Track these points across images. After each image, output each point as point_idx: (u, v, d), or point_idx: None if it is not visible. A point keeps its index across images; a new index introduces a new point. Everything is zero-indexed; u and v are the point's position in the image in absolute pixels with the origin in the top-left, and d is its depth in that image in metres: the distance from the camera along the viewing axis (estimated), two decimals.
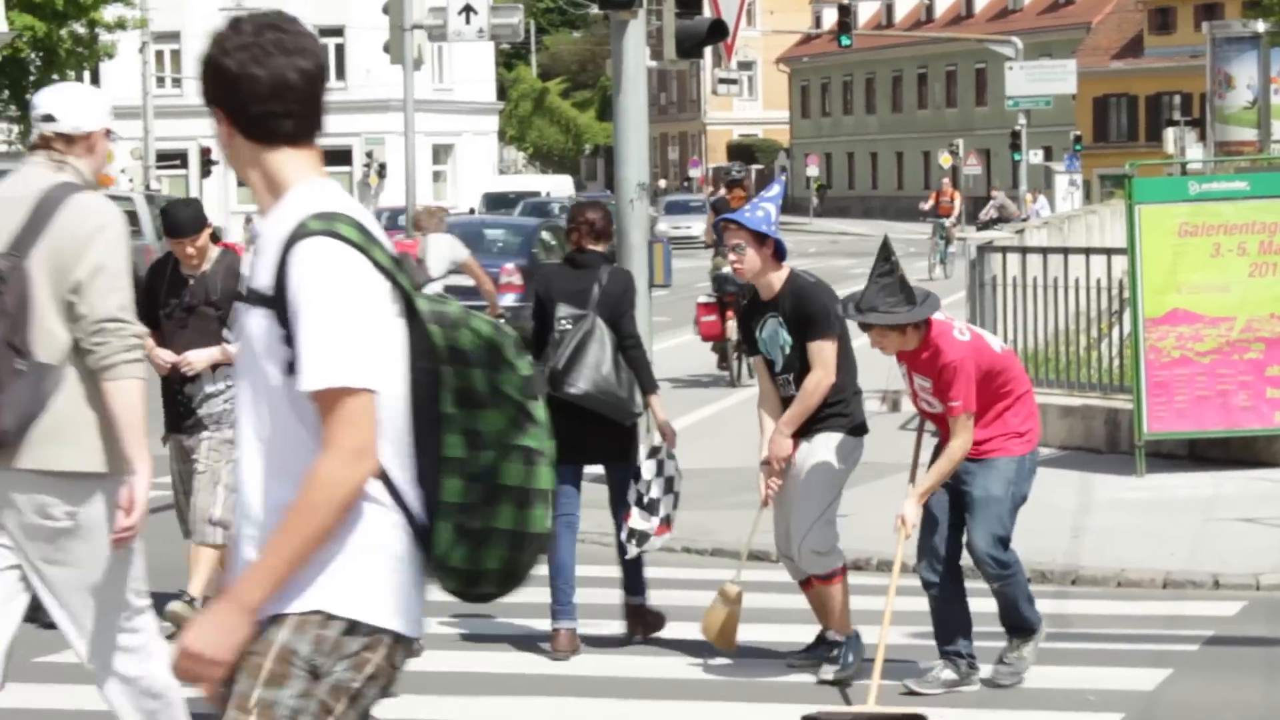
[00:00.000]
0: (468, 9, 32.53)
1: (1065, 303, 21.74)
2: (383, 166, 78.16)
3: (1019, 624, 11.13)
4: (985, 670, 11.12)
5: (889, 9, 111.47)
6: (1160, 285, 18.24)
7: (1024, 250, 22.95)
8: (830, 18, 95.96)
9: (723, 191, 33.75)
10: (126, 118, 72.79)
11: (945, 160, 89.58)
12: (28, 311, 8.04)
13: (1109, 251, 21.09)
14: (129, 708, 8.15)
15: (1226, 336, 18.15)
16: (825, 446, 11.28)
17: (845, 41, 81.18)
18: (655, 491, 12.36)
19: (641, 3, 19.17)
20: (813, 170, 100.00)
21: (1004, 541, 10.83)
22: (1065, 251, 22.94)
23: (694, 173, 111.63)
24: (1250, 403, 18.20)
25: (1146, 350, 18.30)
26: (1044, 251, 23.01)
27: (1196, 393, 18.21)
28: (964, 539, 11.00)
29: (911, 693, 10.81)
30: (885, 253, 10.87)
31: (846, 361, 11.38)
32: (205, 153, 77.93)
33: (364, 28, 75.52)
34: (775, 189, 12.30)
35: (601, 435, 12.53)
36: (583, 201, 16.35)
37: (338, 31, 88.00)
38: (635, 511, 12.31)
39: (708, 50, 20.70)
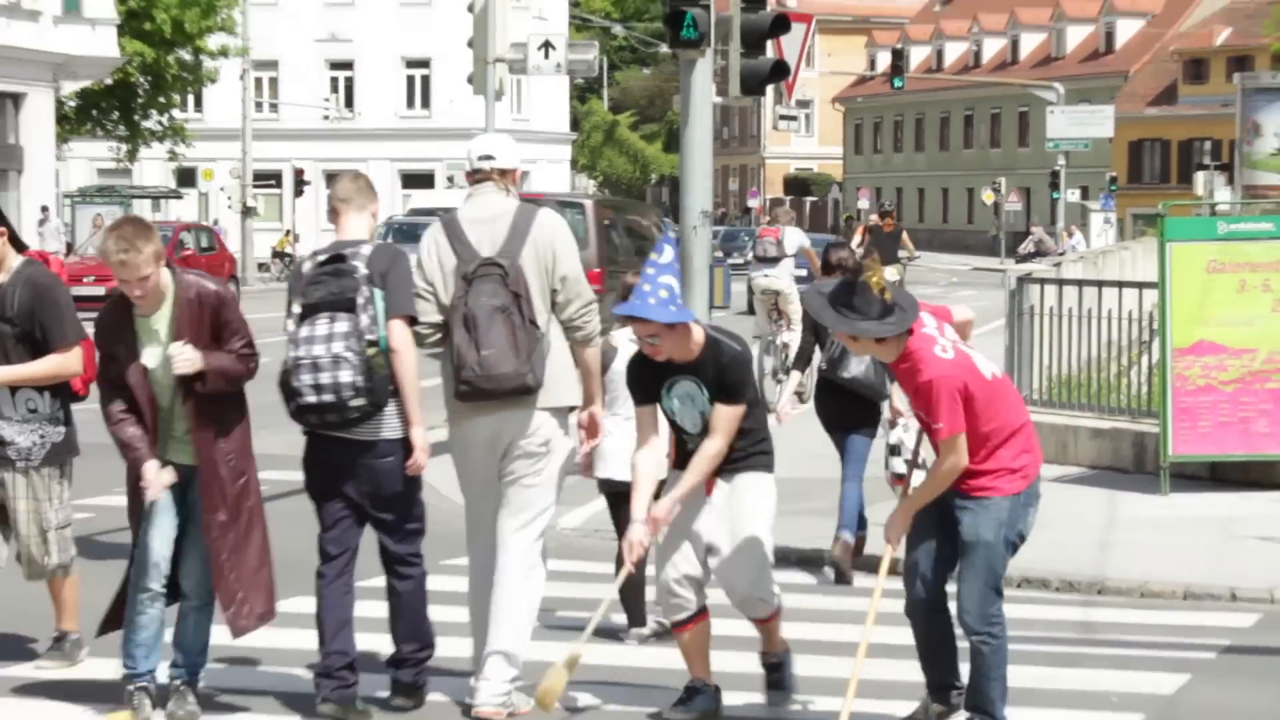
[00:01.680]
0: (547, 45, 32.69)
1: (1098, 332, 21.78)
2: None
3: (983, 704, 9.64)
4: None
5: (939, 54, 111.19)
6: (1188, 317, 18.27)
7: (1060, 282, 23.00)
8: (884, 61, 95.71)
9: (874, 218, 37.69)
10: (226, 139, 73.15)
11: (988, 197, 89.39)
12: (529, 297, 10.38)
13: (1140, 285, 21.04)
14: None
15: (1249, 367, 18.20)
16: (755, 489, 10.37)
17: (898, 84, 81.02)
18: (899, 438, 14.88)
19: (709, 43, 19.26)
20: (863, 203, 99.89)
21: (996, 590, 9.59)
22: (1100, 284, 22.90)
23: (753, 203, 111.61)
24: (1270, 429, 18.21)
25: (1173, 378, 18.32)
26: (1079, 284, 23.03)
27: (1219, 419, 18.23)
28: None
29: None
30: (857, 265, 10.67)
31: (759, 406, 10.65)
32: (299, 173, 78.21)
33: (449, 60, 75.68)
34: (668, 254, 10.11)
35: (859, 410, 15.27)
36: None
37: (424, 64, 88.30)
38: (894, 460, 15.04)
39: (769, 88, 20.67)
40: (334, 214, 10.74)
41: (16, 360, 10.57)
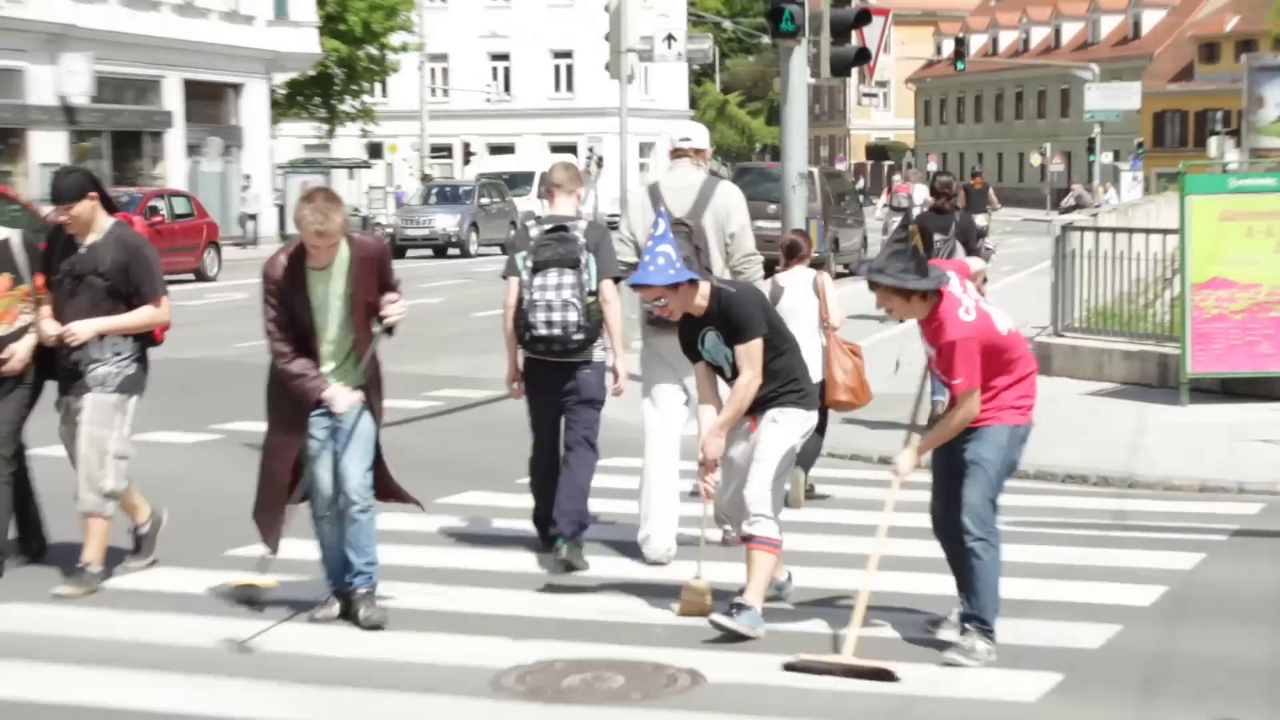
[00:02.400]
0: (669, 37, 33.03)
1: (1128, 271, 21.55)
2: (601, 159, 77.92)
3: (976, 611, 9.05)
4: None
5: (994, 41, 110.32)
6: (1204, 258, 18.13)
7: (1097, 230, 22.79)
8: (948, 48, 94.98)
9: (970, 180, 38.32)
10: (406, 119, 73.31)
11: (1036, 160, 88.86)
12: (708, 250, 11.47)
13: (1164, 231, 20.91)
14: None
15: (1255, 299, 18.06)
16: (778, 419, 9.66)
17: (960, 66, 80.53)
18: None
19: (804, 33, 19.24)
20: (932, 165, 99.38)
21: (992, 503, 9.11)
22: (1130, 231, 22.71)
23: (840, 167, 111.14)
24: (1273, 350, 18.10)
25: (1191, 309, 18.17)
26: (1113, 231, 22.82)
27: (1230, 342, 18.13)
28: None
29: (952, 663, 8.90)
30: (904, 225, 10.30)
31: (791, 347, 9.81)
32: (466, 146, 78.42)
33: (589, 51, 75.57)
34: (661, 227, 9.72)
35: None
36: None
37: (568, 54, 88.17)
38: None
39: (854, 71, 20.62)
40: (549, 194, 11.72)
41: (104, 311, 10.13)
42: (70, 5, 49.61)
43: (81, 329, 9.96)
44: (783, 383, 9.62)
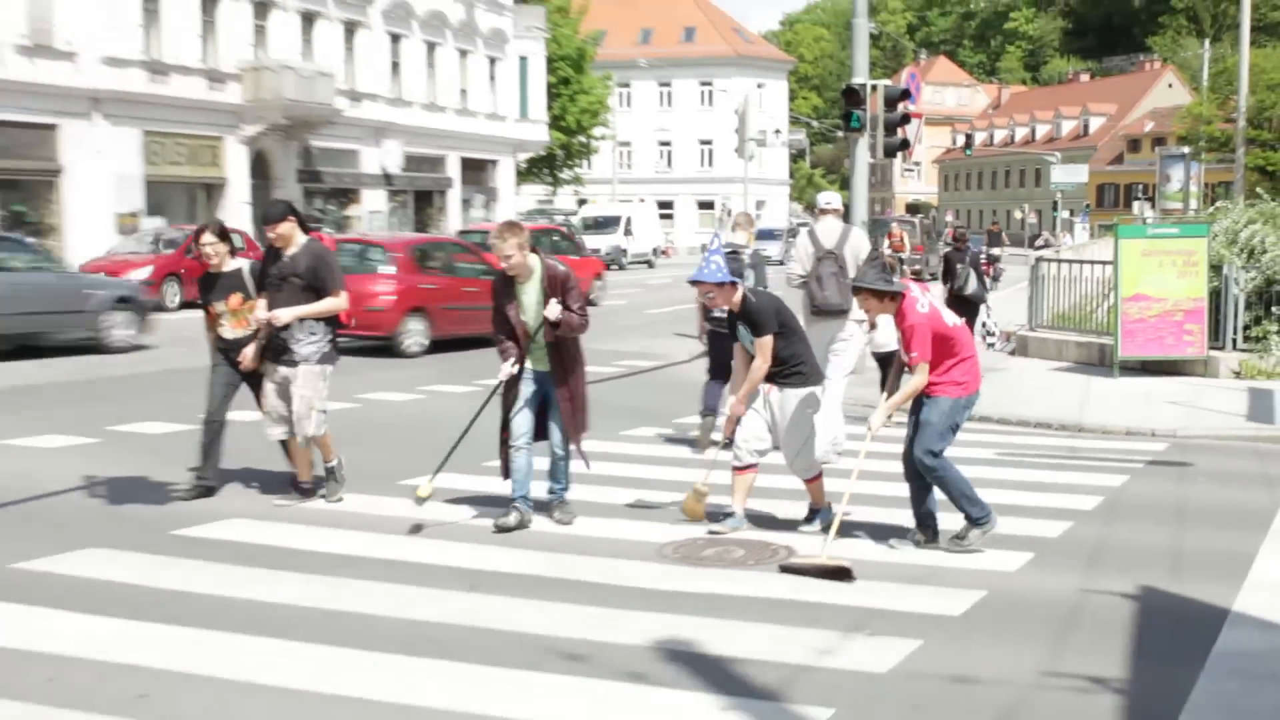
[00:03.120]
0: (777, 130, 33.11)
1: (1080, 288, 21.38)
2: (730, 210, 77.87)
3: (964, 514, 8.73)
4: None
5: (991, 136, 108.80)
6: (1130, 280, 17.84)
7: (1059, 261, 22.77)
8: (961, 140, 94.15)
9: (990, 226, 41.02)
10: (603, 183, 73.48)
11: (1018, 214, 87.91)
12: (847, 268, 11.98)
13: (1104, 262, 20.57)
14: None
15: (1164, 308, 17.79)
16: (797, 398, 9.12)
17: (968, 152, 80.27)
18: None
19: (866, 129, 19.13)
20: (949, 217, 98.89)
21: (933, 454, 8.56)
22: (1081, 262, 22.50)
23: (892, 218, 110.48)
24: (1175, 342, 17.85)
25: (1121, 314, 17.93)
26: (1070, 261, 22.71)
27: (1148, 336, 17.89)
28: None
29: (953, 545, 8.66)
30: (874, 251, 10.13)
31: (799, 340, 9.25)
32: (641, 201, 78.70)
33: (723, 139, 75.46)
34: (715, 242, 9.98)
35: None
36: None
37: (709, 141, 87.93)
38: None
39: (899, 154, 20.49)
40: (735, 228, 13.17)
41: (301, 302, 9.64)
42: (389, 108, 50.26)
43: (283, 314, 9.59)
44: (792, 365, 9.12)
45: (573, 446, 9.41)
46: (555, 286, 9.08)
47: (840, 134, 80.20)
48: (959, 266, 20.43)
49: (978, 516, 8.67)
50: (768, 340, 9.04)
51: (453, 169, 55.14)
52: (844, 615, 7.13)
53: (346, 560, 8.18)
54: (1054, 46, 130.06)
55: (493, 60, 57.29)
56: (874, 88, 19.35)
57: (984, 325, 21.72)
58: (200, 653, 6.32)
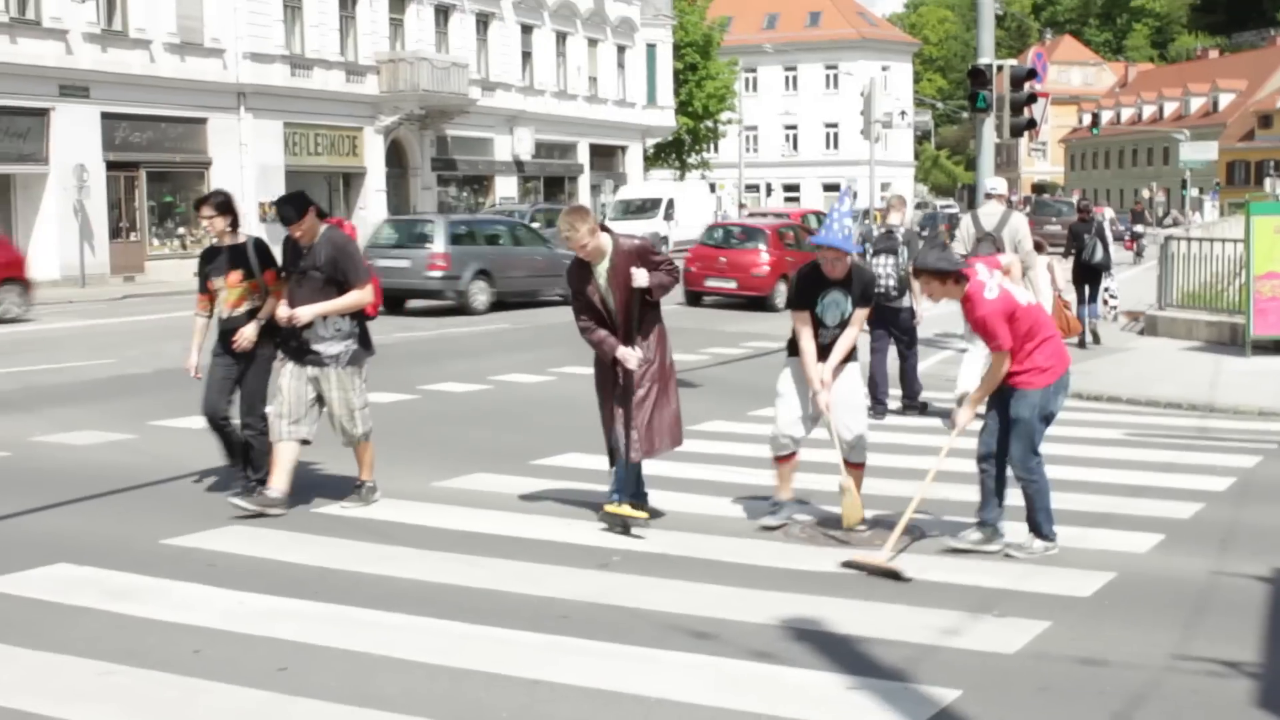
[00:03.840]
0: (903, 112, 32.85)
1: (1210, 267, 20.93)
2: (856, 193, 77.27)
3: (1034, 527, 7.93)
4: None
5: (1118, 114, 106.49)
6: (1262, 258, 17.40)
7: (1189, 239, 22.35)
8: (1087, 119, 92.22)
9: (1134, 205, 40.63)
10: (729, 168, 73.34)
11: (1146, 193, 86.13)
12: (1005, 249, 12.57)
13: (1235, 240, 20.06)
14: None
15: None
16: (854, 376, 8.60)
17: (1095, 131, 78.81)
18: None
19: (992, 109, 18.82)
20: (1074, 197, 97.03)
21: (1033, 452, 7.82)
22: (1211, 240, 21.96)
23: (1014, 198, 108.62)
24: None
25: (1253, 292, 17.51)
26: (1200, 240, 22.25)
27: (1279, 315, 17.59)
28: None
29: (950, 549, 7.95)
30: (935, 232, 9.69)
31: None
32: (768, 186, 78.43)
33: (849, 122, 74.87)
34: (847, 204, 8.57)
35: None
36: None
37: (835, 125, 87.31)
38: None
39: (1025, 134, 20.12)
40: (886, 211, 14.17)
41: (324, 298, 8.73)
42: (521, 97, 50.56)
43: (304, 313, 8.69)
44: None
45: (633, 443, 8.46)
46: (632, 258, 8.41)
47: (965, 115, 79.26)
48: (1085, 236, 20.74)
49: (1049, 533, 7.94)
50: (865, 311, 8.50)
51: (582, 155, 55.40)
52: (971, 596, 6.99)
53: (479, 538, 8.20)
54: (1181, 23, 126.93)
55: (621, 48, 57.36)
56: (1000, 68, 19.01)
57: (1106, 290, 22.26)
58: (337, 628, 6.37)
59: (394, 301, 23.85)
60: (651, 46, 59.13)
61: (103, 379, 15.75)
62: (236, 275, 9.16)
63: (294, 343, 8.90)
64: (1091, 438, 12.23)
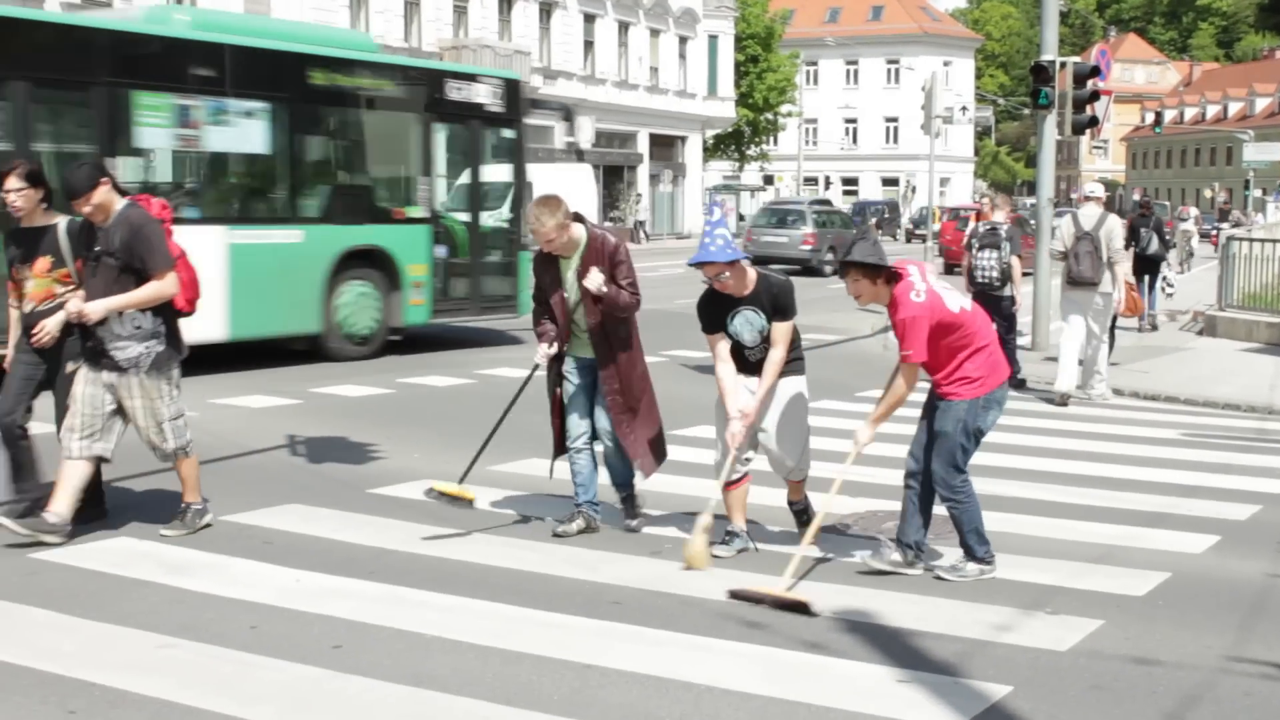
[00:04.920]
0: (964, 108, 32.75)
1: (1271, 268, 20.67)
2: (914, 188, 76.92)
3: (966, 549, 7.22)
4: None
5: (1181, 114, 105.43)
6: None
7: (1250, 240, 22.11)
8: (1150, 118, 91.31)
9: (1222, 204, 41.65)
10: (789, 160, 73.00)
11: (1208, 193, 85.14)
12: (1102, 248, 13.84)
13: None
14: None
15: None
16: (795, 387, 7.58)
17: (1157, 130, 77.76)
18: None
19: (1054, 106, 18.63)
20: (1135, 196, 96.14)
21: (956, 469, 7.07)
22: (1274, 241, 21.71)
23: (1073, 196, 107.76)
24: None
25: None
26: (1262, 240, 22.03)
27: None
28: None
29: (864, 567, 7.21)
30: (865, 226, 8.27)
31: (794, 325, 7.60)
32: (827, 179, 78.06)
33: (909, 116, 74.47)
34: (716, 214, 7.71)
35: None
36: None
37: (895, 119, 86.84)
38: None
39: (1086, 131, 19.90)
40: (994, 209, 15.00)
41: (121, 289, 7.30)
42: (582, 86, 50.64)
43: (93, 309, 7.30)
44: (796, 354, 7.61)
45: (636, 467, 8.05)
46: (600, 257, 7.67)
47: (1026, 111, 78.65)
48: (1142, 231, 20.85)
49: (982, 555, 7.22)
50: (789, 326, 7.48)
51: (642, 145, 55.41)
52: (1023, 593, 6.93)
53: (532, 523, 8.22)
54: (1248, 23, 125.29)
55: (683, 39, 57.29)
56: (1063, 64, 18.83)
57: (1164, 279, 23.00)
58: (391, 607, 6.39)
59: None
60: (713, 38, 59.03)
61: None
62: (44, 263, 7.76)
63: (90, 343, 7.50)
64: (1148, 437, 12.12)
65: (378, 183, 17.34)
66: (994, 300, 14.09)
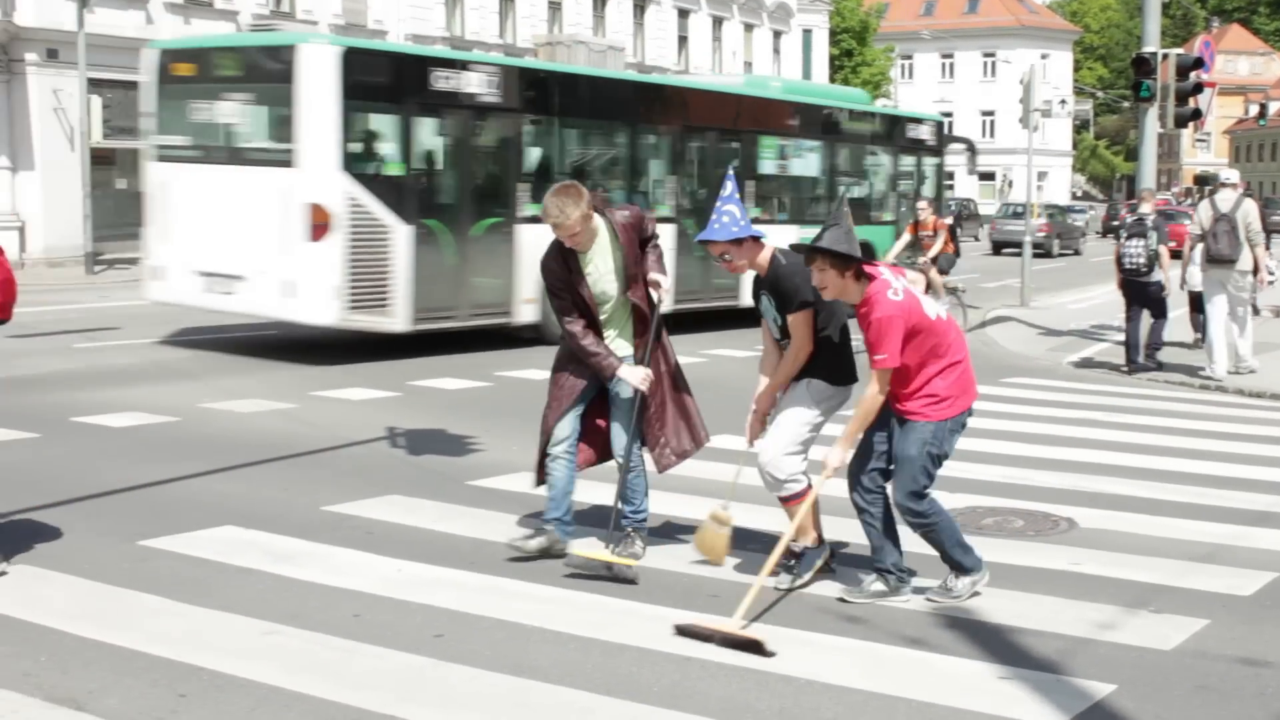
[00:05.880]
0: (1062, 101, 32.56)
1: None
2: (1011, 181, 75.94)
3: (953, 565, 6.61)
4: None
5: None
6: None
7: None
8: (1254, 110, 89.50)
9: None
10: None
11: None
12: (1238, 230, 14.83)
13: None
14: None
15: None
16: (804, 390, 6.73)
17: (1262, 122, 76.00)
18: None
19: (1156, 99, 18.34)
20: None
21: (917, 495, 6.38)
22: None
23: (1174, 189, 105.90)
24: None
25: None
26: None
27: None
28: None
29: (842, 600, 6.55)
30: (839, 206, 6.79)
31: (833, 324, 6.68)
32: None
33: (1006, 110, 73.69)
34: (728, 188, 6.75)
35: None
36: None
37: (991, 113, 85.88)
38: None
39: (1190, 124, 19.54)
40: (1141, 201, 16.41)
41: None
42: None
43: None
44: (814, 356, 6.74)
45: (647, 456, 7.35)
46: (631, 237, 7.04)
47: (1126, 104, 77.49)
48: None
49: (970, 566, 6.64)
50: (802, 317, 6.66)
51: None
52: (1127, 591, 6.84)
53: (608, 511, 8.23)
54: None
55: (777, 33, 57.04)
56: (1165, 56, 18.52)
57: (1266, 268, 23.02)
58: (491, 598, 6.45)
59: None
60: (807, 32, 58.74)
61: (268, 348, 16.13)
62: None
63: None
64: (1254, 435, 11.91)
65: (869, 195, 23.38)
66: (1140, 286, 15.61)
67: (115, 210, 30.93)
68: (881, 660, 5.75)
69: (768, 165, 21.34)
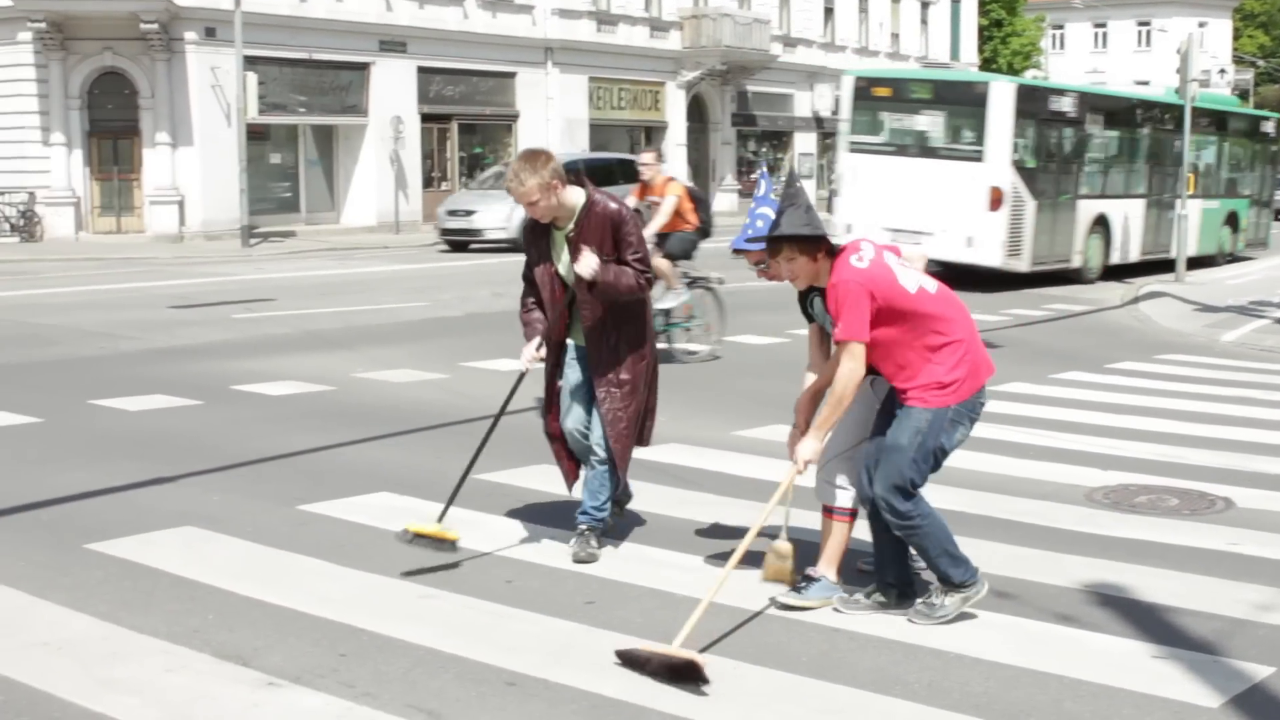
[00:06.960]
0: (1222, 70, 33.52)
1: None
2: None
3: (940, 577, 5.82)
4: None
5: None
6: None
7: None
8: None
9: None
10: None
11: None
12: None
13: None
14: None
15: None
16: (874, 393, 5.90)
17: None
18: None
19: None
20: None
21: (901, 491, 5.63)
22: None
23: None
24: None
25: None
26: None
27: None
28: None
29: (837, 610, 5.91)
30: (791, 179, 5.67)
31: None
32: None
33: (1160, 80, 71.69)
34: (762, 187, 6.00)
35: None
36: None
37: (1146, 83, 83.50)
38: None
39: None
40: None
41: None
42: (822, 53, 50.37)
43: None
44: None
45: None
46: (600, 229, 6.47)
47: None
48: None
49: (961, 579, 5.86)
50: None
51: None
52: None
53: (773, 487, 8.24)
54: None
55: (925, 4, 56.32)
56: None
57: None
58: (641, 566, 6.56)
59: None
60: (956, 2, 57.89)
61: (416, 320, 16.45)
62: None
63: None
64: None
65: (1235, 177, 29.46)
66: None
67: (266, 186, 31.71)
68: (1032, 636, 5.70)
69: (1207, 156, 27.78)
